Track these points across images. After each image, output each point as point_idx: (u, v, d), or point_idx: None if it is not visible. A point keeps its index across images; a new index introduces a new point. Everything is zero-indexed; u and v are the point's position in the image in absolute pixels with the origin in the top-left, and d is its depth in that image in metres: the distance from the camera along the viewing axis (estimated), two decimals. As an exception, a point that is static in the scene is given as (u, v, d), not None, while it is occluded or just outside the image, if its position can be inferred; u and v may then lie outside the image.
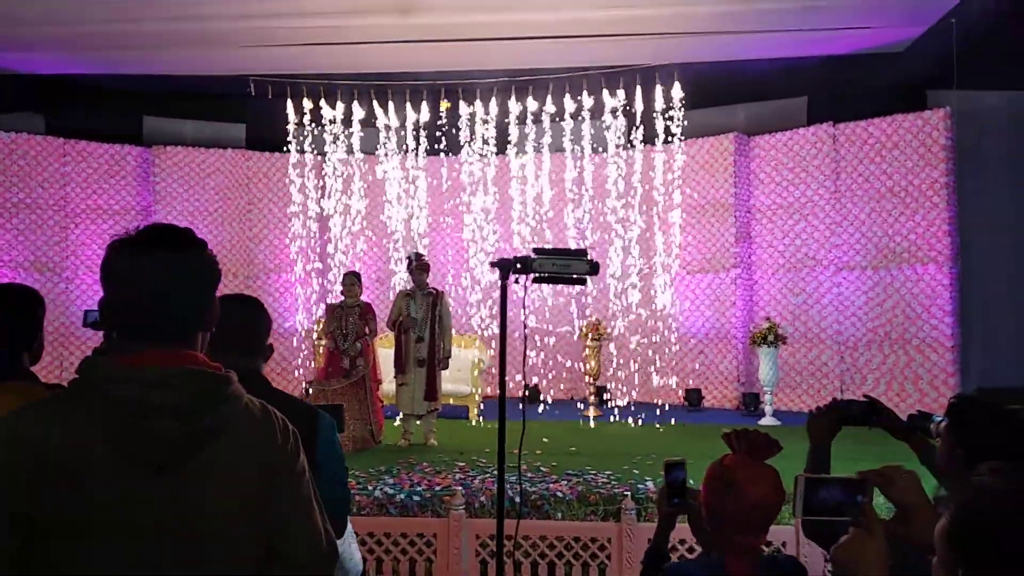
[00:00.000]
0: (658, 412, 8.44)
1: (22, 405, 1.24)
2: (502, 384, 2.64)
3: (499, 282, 2.62)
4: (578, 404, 9.28)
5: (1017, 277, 7.93)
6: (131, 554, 1.17)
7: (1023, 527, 1.05)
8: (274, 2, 7.16)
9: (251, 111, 9.72)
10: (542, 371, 9.86)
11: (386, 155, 9.95)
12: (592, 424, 8.04)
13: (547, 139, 9.64)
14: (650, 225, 9.58)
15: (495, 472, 2.75)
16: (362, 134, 9.78)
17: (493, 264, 2.64)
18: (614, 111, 9.15)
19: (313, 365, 9.09)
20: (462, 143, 9.79)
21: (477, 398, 8.43)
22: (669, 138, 9.12)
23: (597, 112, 9.27)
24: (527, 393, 9.19)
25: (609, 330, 9.06)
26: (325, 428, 1.95)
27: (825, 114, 8.72)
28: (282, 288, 9.96)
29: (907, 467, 1.45)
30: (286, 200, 9.90)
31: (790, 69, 8.47)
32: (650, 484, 4.90)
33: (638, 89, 8.88)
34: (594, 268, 2.63)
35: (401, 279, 9.42)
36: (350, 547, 2.32)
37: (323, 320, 7.76)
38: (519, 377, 8.93)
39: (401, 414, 6.83)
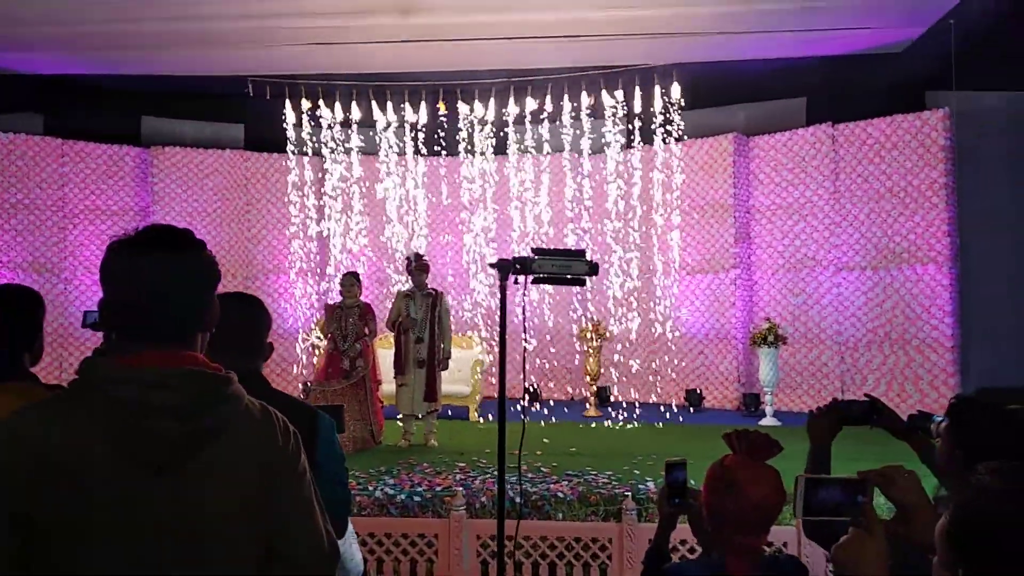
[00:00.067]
0: (659, 413, 8.43)
1: (23, 406, 1.24)
2: (502, 385, 2.64)
3: (498, 283, 2.62)
4: (579, 404, 9.26)
5: (1017, 277, 7.93)
6: (131, 554, 1.17)
7: (1023, 527, 1.06)
8: (273, 2, 7.15)
9: (250, 112, 9.70)
10: (542, 372, 9.86)
11: (385, 155, 9.94)
12: (592, 424, 8.03)
13: (546, 139, 9.63)
14: (649, 226, 9.57)
15: (496, 472, 2.75)
16: (361, 136, 9.77)
17: (492, 265, 2.65)
18: (613, 111, 9.15)
19: (314, 366, 9.07)
20: (461, 144, 9.77)
21: (477, 399, 8.42)
22: (668, 139, 9.12)
23: (596, 113, 9.27)
24: (528, 394, 9.25)
25: (609, 331, 9.06)
26: (325, 428, 1.95)
27: (824, 114, 8.72)
28: (281, 289, 9.95)
29: (907, 467, 1.45)
30: (285, 201, 9.89)
31: (789, 69, 8.48)
32: (651, 484, 4.89)
33: (637, 90, 8.88)
34: (593, 269, 2.64)
35: (400, 279, 9.41)
36: (351, 548, 2.32)
37: (322, 321, 7.75)
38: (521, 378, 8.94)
39: (401, 414, 6.82)
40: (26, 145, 9.05)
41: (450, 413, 8.11)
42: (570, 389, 9.90)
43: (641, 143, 9.31)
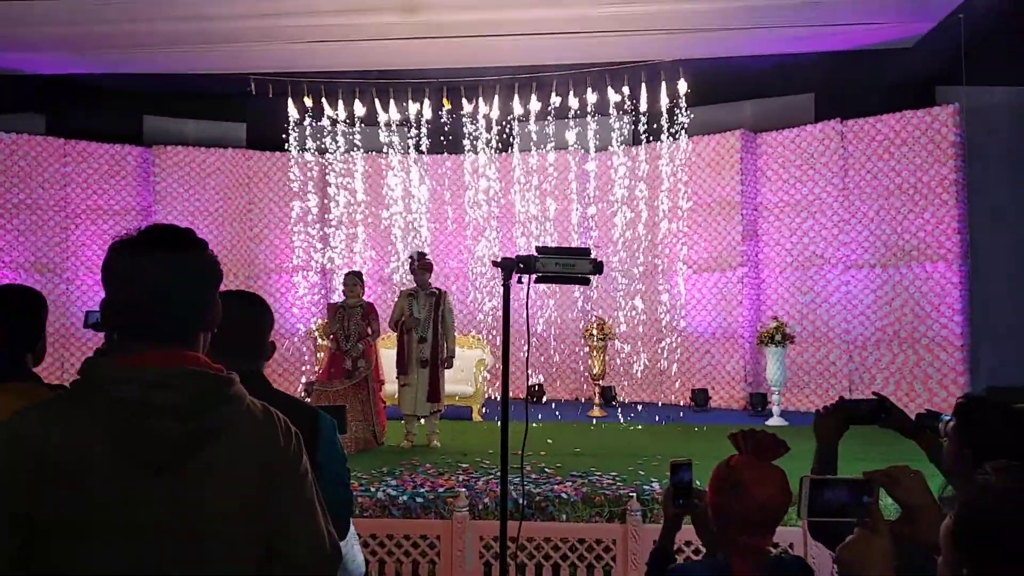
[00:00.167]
0: (664, 413, 8.37)
1: (25, 406, 1.24)
2: (505, 384, 2.62)
3: (502, 281, 2.60)
4: (583, 404, 9.20)
5: (1027, 275, 7.85)
6: (131, 554, 1.17)
7: None
8: (276, 1, 7.11)
9: (252, 110, 9.69)
10: (547, 371, 9.79)
11: (388, 153, 9.89)
12: (597, 425, 7.97)
13: (551, 137, 9.57)
14: (655, 223, 9.50)
15: (499, 473, 2.70)
16: (364, 134, 9.72)
17: (496, 263, 2.62)
18: (619, 108, 9.08)
19: (316, 367, 9.03)
20: (465, 141, 9.72)
21: (481, 399, 8.36)
22: (675, 135, 9.05)
23: (602, 109, 9.20)
24: (531, 394, 9.19)
25: (614, 330, 8.99)
26: (326, 429, 1.94)
27: (833, 110, 8.65)
28: (283, 288, 9.91)
29: (914, 467, 1.45)
30: (287, 199, 9.86)
31: (797, 65, 8.41)
32: (656, 485, 4.85)
33: (643, 86, 8.81)
34: (598, 267, 2.61)
35: (404, 279, 9.37)
36: (353, 549, 2.32)
37: (325, 321, 7.71)
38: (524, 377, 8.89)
39: (404, 415, 6.77)
40: (28, 145, 9.05)
41: (456, 401, 8.06)
42: (575, 389, 9.84)
43: (647, 140, 9.24)
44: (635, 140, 9.34)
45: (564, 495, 4.66)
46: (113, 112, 9.40)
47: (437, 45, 8.03)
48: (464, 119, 9.57)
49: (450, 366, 6.78)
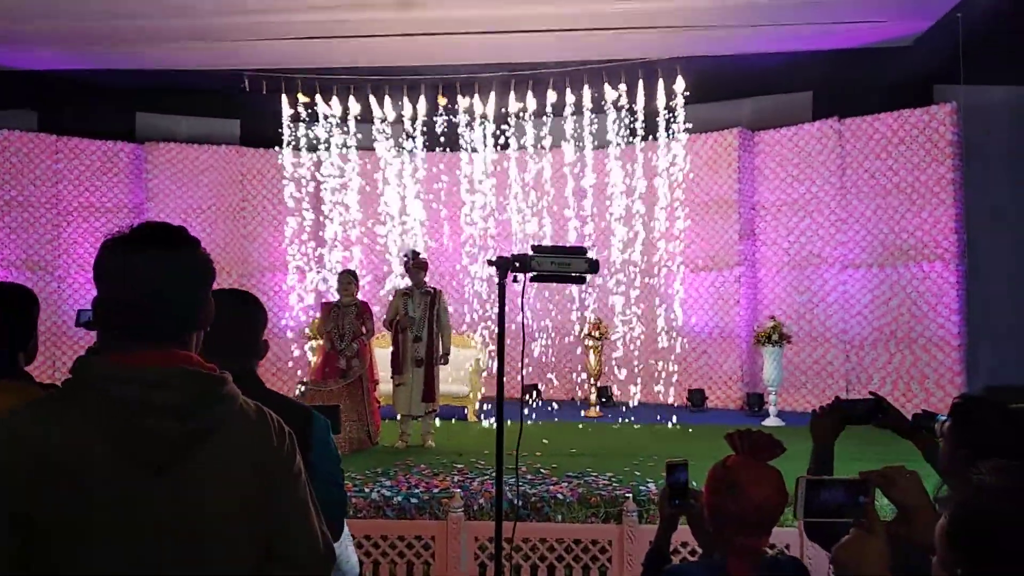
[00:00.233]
0: (661, 413, 8.34)
1: (19, 405, 1.24)
2: (500, 384, 2.62)
3: (497, 280, 2.60)
4: (579, 404, 9.17)
5: (1024, 274, 7.84)
6: (131, 554, 1.17)
7: (1021, 526, 1.05)
8: (269, -4, 7.07)
9: (245, 107, 9.62)
10: (542, 371, 9.75)
11: (383, 151, 9.83)
12: (593, 425, 7.94)
13: (547, 134, 9.53)
14: (652, 222, 9.46)
15: (494, 474, 2.67)
16: (359, 132, 9.67)
17: (491, 262, 2.64)
18: (616, 106, 9.04)
19: (310, 366, 8.98)
20: (461, 138, 9.67)
21: (476, 398, 8.32)
22: (672, 133, 9.01)
23: (598, 107, 9.16)
24: (526, 394, 9.16)
25: (610, 329, 8.95)
26: (319, 429, 1.94)
27: (830, 109, 8.62)
28: (276, 287, 9.86)
29: (910, 467, 1.46)
30: (281, 197, 9.80)
31: (795, 63, 8.38)
32: (652, 486, 4.85)
33: (640, 83, 8.77)
34: (593, 266, 2.63)
35: (398, 277, 9.31)
36: (347, 550, 2.35)
37: (319, 320, 7.66)
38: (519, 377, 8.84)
39: (399, 415, 6.73)
40: (20, 142, 8.98)
41: (451, 402, 8.02)
42: (571, 389, 9.80)
43: (644, 138, 9.20)
44: (632, 138, 9.29)
45: (560, 496, 4.65)
46: (105, 108, 9.33)
47: (432, 42, 7.99)
48: (460, 116, 9.52)
49: (446, 362, 6.78)
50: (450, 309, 7.29)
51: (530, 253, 2.57)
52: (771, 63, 8.39)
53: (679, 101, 8.73)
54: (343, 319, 6.55)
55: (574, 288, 9.39)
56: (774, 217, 9.00)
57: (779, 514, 1.75)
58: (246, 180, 9.86)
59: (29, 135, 9.04)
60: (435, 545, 4.17)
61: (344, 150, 9.83)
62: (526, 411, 8.07)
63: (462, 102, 9.38)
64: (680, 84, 8.60)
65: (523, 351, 3.15)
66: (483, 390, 8.46)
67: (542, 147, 9.66)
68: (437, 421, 7.11)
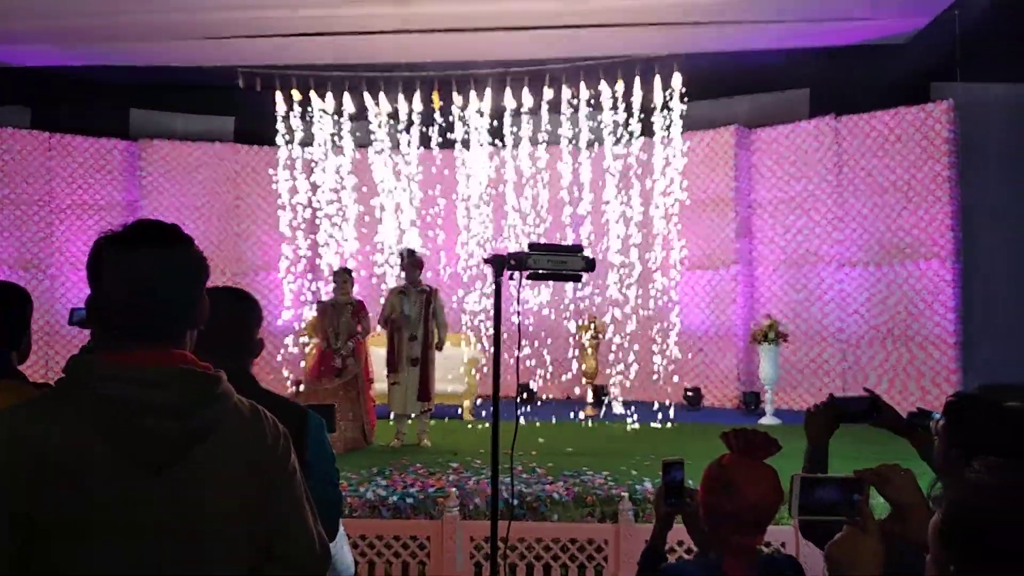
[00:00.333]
0: (657, 411, 8.32)
1: (13, 404, 1.23)
2: (495, 383, 2.61)
3: (493, 278, 2.59)
4: (575, 404, 9.15)
5: (1020, 272, 7.85)
6: (131, 554, 1.18)
7: (1014, 524, 1.04)
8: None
9: (240, 104, 9.58)
10: (538, 370, 9.73)
11: (379, 148, 9.79)
12: (589, 424, 7.92)
13: (544, 131, 9.50)
14: (649, 220, 9.44)
15: (489, 473, 2.66)
16: (354, 129, 9.63)
17: (487, 260, 2.63)
18: (613, 103, 9.02)
19: (303, 364, 8.95)
20: (456, 136, 9.63)
21: (472, 398, 8.30)
22: (669, 131, 8.99)
23: (595, 104, 9.14)
24: (522, 393, 9.14)
25: (607, 328, 8.94)
26: (315, 428, 1.94)
27: (827, 106, 8.62)
28: (271, 285, 9.81)
29: (906, 465, 1.46)
30: (275, 195, 9.75)
31: (792, 61, 8.39)
32: (648, 485, 4.83)
33: (637, 80, 8.75)
34: (590, 265, 2.62)
35: (394, 275, 9.28)
36: (342, 550, 2.37)
37: (314, 318, 7.64)
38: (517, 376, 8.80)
39: (394, 414, 6.71)
40: (12, 139, 8.94)
41: (447, 401, 7.99)
42: (567, 388, 9.77)
43: (641, 135, 9.18)
44: (629, 135, 9.27)
45: (556, 495, 4.65)
46: (99, 105, 9.30)
47: (428, 39, 7.97)
48: (456, 113, 9.48)
49: (441, 348, 6.76)
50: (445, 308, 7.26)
51: (526, 251, 2.56)
52: (768, 60, 8.39)
53: (676, 98, 8.70)
54: (339, 318, 6.53)
55: (570, 286, 9.37)
56: (771, 215, 8.99)
57: (774, 512, 1.75)
58: (240, 177, 9.81)
59: (22, 132, 9.00)
60: (430, 545, 4.15)
61: (339, 147, 9.79)
62: (521, 410, 8.04)
63: (458, 99, 9.34)
64: (677, 81, 8.59)
65: (518, 350, 3.13)
66: (479, 389, 8.43)
67: (539, 144, 9.64)
68: (432, 421, 7.08)
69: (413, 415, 6.64)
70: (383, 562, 4.16)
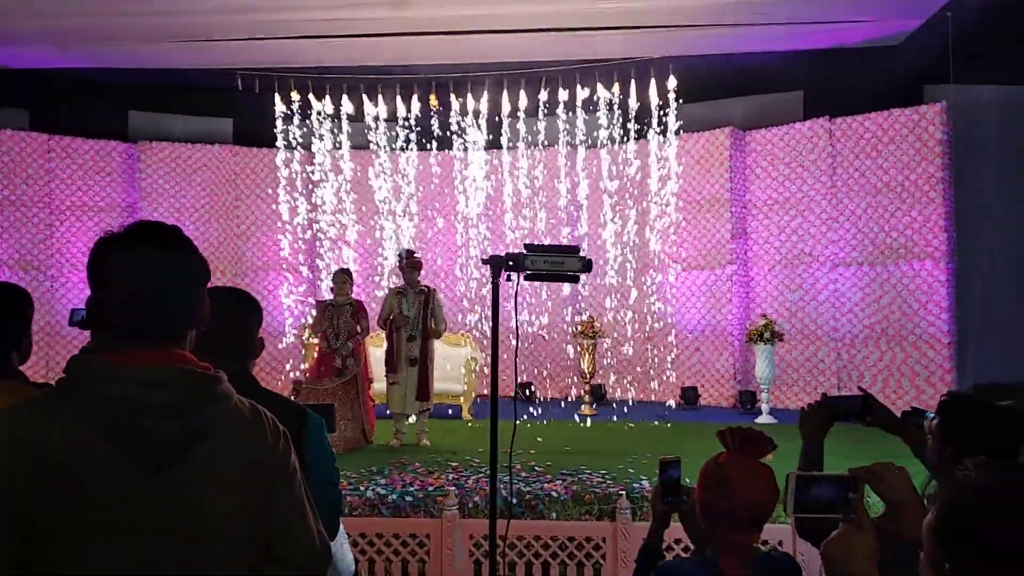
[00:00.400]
0: (654, 411, 8.37)
1: (13, 404, 1.23)
2: (494, 383, 2.63)
3: (491, 279, 2.61)
4: (573, 403, 9.19)
5: (1014, 272, 7.90)
6: (131, 554, 1.17)
7: (1007, 522, 1.06)
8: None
9: (239, 106, 9.60)
10: (536, 370, 9.77)
11: (376, 150, 9.83)
12: (587, 423, 7.97)
13: (540, 133, 9.55)
14: (645, 221, 9.49)
15: (488, 472, 2.69)
16: (352, 130, 9.66)
17: (485, 261, 2.65)
18: (609, 105, 9.06)
19: (303, 365, 8.98)
20: (454, 137, 9.68)
21: (471, 397, 8.33)
22: (664, 132, 9.04)
23: (591, 106, 9.18)
24: (520, 392, 9.18)
25: (603, 328, 8.98)
26: (314, 428, 1.94)
27: (821, 108, 8.66)
28: (270, 286, 9.84)
29: (900, 463, 1.47)
30: (274, 196, 9.78)
31: (786, 63, 8.42)
32: (645, 483, 4.85)
33: (632, 82, 8.80)
34: (587, 265, 2.64)
35: (393, 276, 9.32)
36: (342, 548, 2.34)
37: (313, 319, 7.67)
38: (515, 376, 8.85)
39: (393, 413, 6.74)
40: (12, 141, 8.94)
41: (450, 413, 8.04)
42: (564, 387, 9.82)
43: (636, 137, 9.23)
44: (624, 137, 9.32)
45: (554, 493, 4.66)
46: (98, 107, 9.29)
47: (425, 41, 7.99)
48: (453, 115, 9.52)
49: (438, 336, 6.80)
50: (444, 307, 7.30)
51: (524, 252, 2.57)
52: (762, 63, 8.44)
53: (671, 100, 8.75)
54: (338, 318, 6.55)
55: (567, 286, 9.41)
56: (766, 216, 9.04)
57: (771, 511, 1.76)
58: (239, 179, 9.84)
59: (21, 134, 9.00)
60: (430, 543, 4.18)
61: (337, 149, 9.83)
62: (519, 409, 8.08)
63: (455, 101, 9.38)
64: (672, 83, 8.64)
65: (516, 350, 3.16)
66: (477, 389, 8.47)
67: (535, 146, 9.68)
68: (430, 420, 7.11)
69: (412, 415, 6.67)
70: (383, 560, 4.19)
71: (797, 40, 8.14)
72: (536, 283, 7.86)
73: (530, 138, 9.63)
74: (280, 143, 9.63)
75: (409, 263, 6.76)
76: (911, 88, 8.27)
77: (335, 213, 9.90)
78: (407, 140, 9.73)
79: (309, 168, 9.88)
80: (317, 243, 9.91)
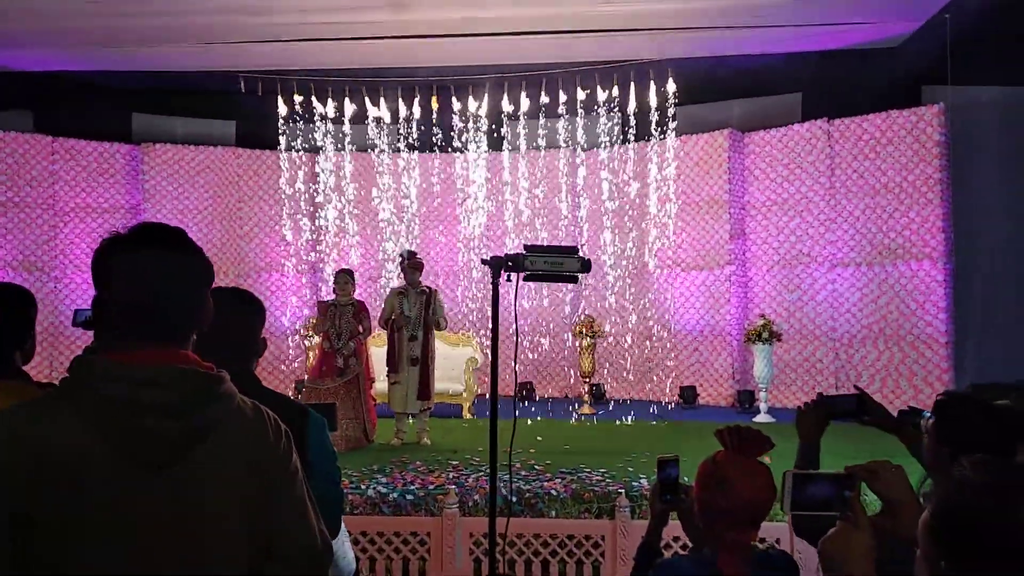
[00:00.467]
0: (653, 410, 8.41)
1: (13, 404, 1.23)
2: (494, 382, 2.64)
3: (491, 279, 2.61)
4: (572, 402, 9.23)
5: (1012, 272, 7.93)
6: (131, 554, 1.17)
7: (1003, 521, 1.06)
8: (266, -2, 7.11)
9: (241, 108, 9.64)
10: (536, 369, 9.81)
11: (378, 152, 9.87)
12: (587, 422, 8.00)
13: (540, 135, 9.59)
14: (644, 222, 9.53)
15: (488, 470, 2.72)
16: (354, 132, 9.71)
17: (485, 261, 2.65)
18: (608, 107, 9.10)
19: (306, 364, 9.02)
20: (455, 139, 9.72)
21: (471, 397, 8.37)
22: (663, 134, 9.08)
23: (591, 108, 9.22)
24: (520, 391, 9.21)
25: (603, 328, 9.02)
26: (316, 427, 1.95)
27: (820, 110, 8.69)
28: (273, 287, 9.89)
29: (896, 462, 1.47)
30: (276, 198, 9.83)
31: (784, 65, 8.46)
32: (644, 481, 4.87)
33: (632, 85, 8.83)
34: (585, 266, 2.64)
35: (395, 276, 9.36)
36: (343, 546, 2.33)
37: (315, 319, 7.71)
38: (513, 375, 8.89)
39: (394, 412, 6.78)
40: (16, 143, 8.97)
41: (447, 399, 8.07)
42: (564, 386, 9.86)
43: (636, 139, 9.27)
44: (624, 139, 9.36)
45: (553, 492, 4.67)
46: (102, 109, 9.32)
47: (426, 44, 8.03)
48: (454, 117, 9.57)
49: (441, 328, 6.85)
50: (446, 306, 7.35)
51: (523, 252, 2.57)
52: (761, 65, 8.47)
53: (670, 102, 8.79)
54: (340, 318, 6.58)
55: (567, 287, 9.45)
56: (764, 217, 9.08)
57: (768, 509, 1.77)
58: (242, 181, 9.88)
59: (25, 136, 9.03)
60: (430, 541, 4.18)
61: (339, 151, 9.87)
62: (519, 408, 8.12)
63: (456, 103, 9.43)
64: (671, 86, 8.67)
65: (516, 349, 3.19)
66: (477, 389, 8.51)
67: (535, 148, 9.72)
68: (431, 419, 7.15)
69: (413, 414, 6.71)
70: (384, 558, 4.18)
71: (796, 42, 8.17)
72: (536, 283, 7.90)
73: (530, 140, 9.66)
74: (282, 145, 9.68)
75: (410, 264, 6.80)
76: (909, 89, 8.30)
77: (337, 214, 9.94)
78: (408, 142, 9.77)
79: (311, 169, 9.92)
80: (319, 244, 9.96)
